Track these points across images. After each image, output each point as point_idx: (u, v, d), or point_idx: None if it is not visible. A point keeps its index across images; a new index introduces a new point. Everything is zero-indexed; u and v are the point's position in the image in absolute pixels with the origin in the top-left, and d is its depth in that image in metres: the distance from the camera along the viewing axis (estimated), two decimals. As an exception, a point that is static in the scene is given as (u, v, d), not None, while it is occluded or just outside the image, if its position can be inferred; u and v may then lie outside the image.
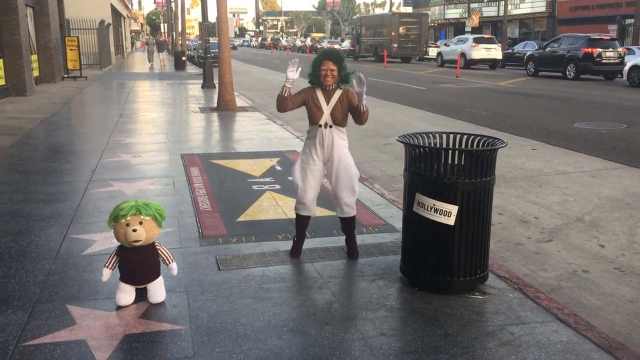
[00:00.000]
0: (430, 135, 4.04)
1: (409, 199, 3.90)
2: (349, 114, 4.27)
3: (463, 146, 3.96)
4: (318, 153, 4.27)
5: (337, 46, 52.98)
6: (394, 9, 62.06)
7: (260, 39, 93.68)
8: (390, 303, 3.73)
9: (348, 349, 3.16)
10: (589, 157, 8.78)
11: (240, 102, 14.79)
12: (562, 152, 9.17)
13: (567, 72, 23.27)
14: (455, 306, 3.67)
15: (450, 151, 3.77)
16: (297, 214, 4.46)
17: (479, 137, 3.97)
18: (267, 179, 6.86)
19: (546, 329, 3.40)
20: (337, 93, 4.22)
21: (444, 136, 4.05)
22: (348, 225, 4.46)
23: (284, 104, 4.20)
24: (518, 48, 32.39)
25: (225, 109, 13.66)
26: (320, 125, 4.22)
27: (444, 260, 3.77)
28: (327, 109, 4.21)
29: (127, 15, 59.54)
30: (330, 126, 4.22)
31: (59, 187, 6.50)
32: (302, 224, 4.47)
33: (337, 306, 3.66)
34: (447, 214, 3.69)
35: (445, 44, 36.25)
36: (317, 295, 3.81)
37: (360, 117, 4.18)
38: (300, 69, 4.20)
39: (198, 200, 5.95)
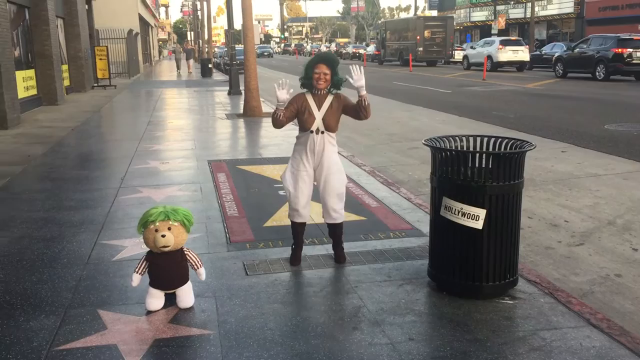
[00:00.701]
0: (457, 138, 4.01)
1: (436, 203, 3.88)
2: (349, 114, 4.24)
3: (490, 149, 3.92)
4: (308, 159, 4.23)
5: (362, 51, 53.05)
6: (418, 12, 61.86)
7: (283, 45, 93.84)
8: (419, 308, 3.70)
9: (376, 354, 3.15)
10: (621, 159, 8.61)
11: (266, 108, 14.88)
12: (592, 154, 9.01)
13: (597, 73, 22.87)
14: (484, 311, 3.62)
15: (477, 154, 3.73)
16: (291, 221, 4.41)
17: (506, 140, 3.93)
18: (294, 184, 6.87)
19: (578, 334, 3.34)
20: (329, 98, 4.18)
21: (471, 139, 4.01)
22: (336, 231, 4.41)
23: (279, 124, 4.20)
24: (546, 49, 31.98)
25: (251, 115, 13.75)
26: (312, 131, 4.18)
27: (472, 265, 3.73)
28: (318, 115, 4.17)
29: (155, 25, 60.46)
30: (322, 132, 4.18)
31: (90, 194, 6.61)
32: (297, 231, 4.41)
33: (365, 311, 3.65)
34: (475, 217, 3.66)
35: (472, 47, 35.94)
36: (345, 300, 3.81)
37: (363, 112, 4.14)
38: (291, 90, 4.18)
39: (225, 206, 6.00)
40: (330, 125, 4.17)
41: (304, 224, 4.38)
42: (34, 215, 5.79)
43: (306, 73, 4.18)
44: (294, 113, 4.22)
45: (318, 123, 4.17)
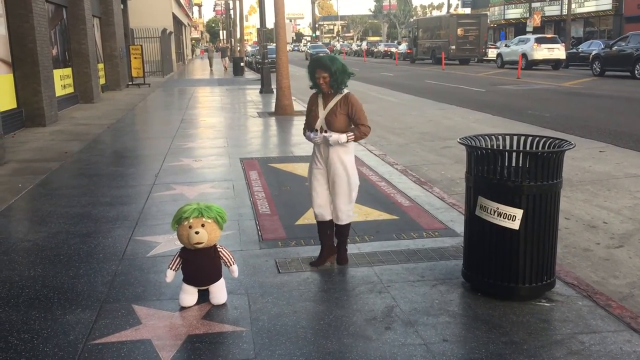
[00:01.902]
0: (493, 137, 3.94)
1: (471, 203, 3.81)
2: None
3: (527, 148, 3.84)
4: (319, 157, 4.22)
5: (393, 49, 52.72)
6: (451, 10, 61.22)
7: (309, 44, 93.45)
8: (453, 309, 3.65)
9: (410, 355, 3.11)
10: (662, 159, 8.37)
11: (297, 106, 14.89)
12: (632, 154, 8.77)
13: (636, 72, 22.30)
14: (520, 313, 3.55)
15: (514, 153, 3.66)
16: (316, 221, 4.39)
17: (544, 139, 3.84)
18: (325, 183, 6.85)
19: (618, 339, 3.25)
20: (335, 99, 4.12)
21: (507, 138, 3.94)
22: (341, 232, 4.33)
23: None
24: (583, 47, 31.29)
25: (283, 113, 13.79)
26: (317, 130, 4.16)
27: (508, 266, 3.66)
28: (322, 114, 4.14)
29: (188, 24, 61.14)
30: (325, 131, 4.13)
31: (125, 191, 6.71)
32: (319, 229, 4.36)
33: (398, 311, 3.61)
34: (511, 217, 3.59)
35: (506, 45, 35.41)
36: (377, 300, 3.78)
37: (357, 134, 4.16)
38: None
39: (257, 204, 6.02)
40: (332, 125, 4.10)
41: (325, 222, 4.31)
42: (71, 211, 5.90)
43: (310, 79, 4.18)
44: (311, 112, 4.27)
45: (321, 122, 4.14)
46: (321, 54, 4.30)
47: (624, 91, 18.01)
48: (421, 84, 22.63)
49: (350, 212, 4.27)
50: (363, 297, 3.83)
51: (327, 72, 4.05)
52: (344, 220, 4.27)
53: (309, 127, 4.25)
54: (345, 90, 4.16)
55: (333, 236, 4.38)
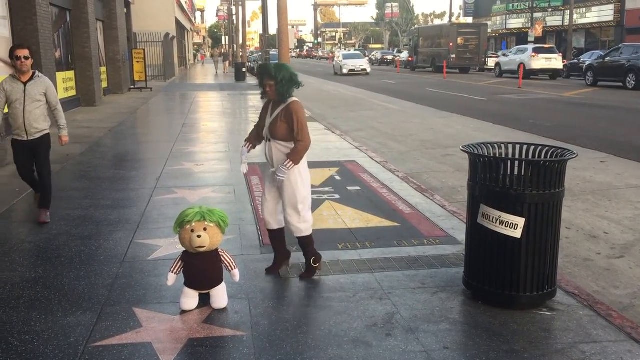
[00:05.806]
0: (496, 145, 3.95)
1: (473, 210, 3.82)
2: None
3: (530, 157, 3.85)
4: (268, 160, 4.22)
5: (390, 57, 52.96)
6: (453, 19, 61.38)
7: (298, 50, 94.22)
8: (453, 316, 3.65)
9: (410, 362, 3.11)
10: (662, 170, 8.37)
11: (299, 112, 14.89)
12: (633, 165, 8.78)
13: (627, 82, 22.39)
14: (521, 322, 3.55)
15: (517, 162, 3.67)
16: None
17: (546, 148, 3.86)
18: (327, 189, 6.87)
19: (619, 349, 3.25)
20: (280, 107, 4.09)
21: (510, 146, 3.95)
22: (300, 243, 4.27)
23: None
24: (584, 58, 31.36)
25: (284, 119, 13.78)
26: (264, 137, 4.18)
27: (509, 274, 3.67)
28: (267, 122, 4.13)
29: (191, 29, 61.30)
30: (269, 139, 4.12)
31: (126, 194, 6.71)
32: (271, 238, 4.34)
33: (399, 318, 3.61)
34: (513, 226, 3.59)
35: (504, 54, 35.49)
36: (378, 306, 3.78)
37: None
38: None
39: (258, 209, 6.01)
40: (275, 134, 4.08)
41: (274, 230, 4.28)
42: (72, 213, 5.90)
43: (259, 85, 4.18)
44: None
45: (266, 130, 4.14)
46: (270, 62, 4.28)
47: (622, 102, 18.03)
48: (422, 91, 22.66)
49: (300, 224, 4.16)
50: (364, 303, 3.83)
51: (272, 80, 4.03)
52: (295, 232, 4.20)
53: (257, 134, 4.29)
54: (291, 99, 4.09)
55: (284, 242, 4.35)
